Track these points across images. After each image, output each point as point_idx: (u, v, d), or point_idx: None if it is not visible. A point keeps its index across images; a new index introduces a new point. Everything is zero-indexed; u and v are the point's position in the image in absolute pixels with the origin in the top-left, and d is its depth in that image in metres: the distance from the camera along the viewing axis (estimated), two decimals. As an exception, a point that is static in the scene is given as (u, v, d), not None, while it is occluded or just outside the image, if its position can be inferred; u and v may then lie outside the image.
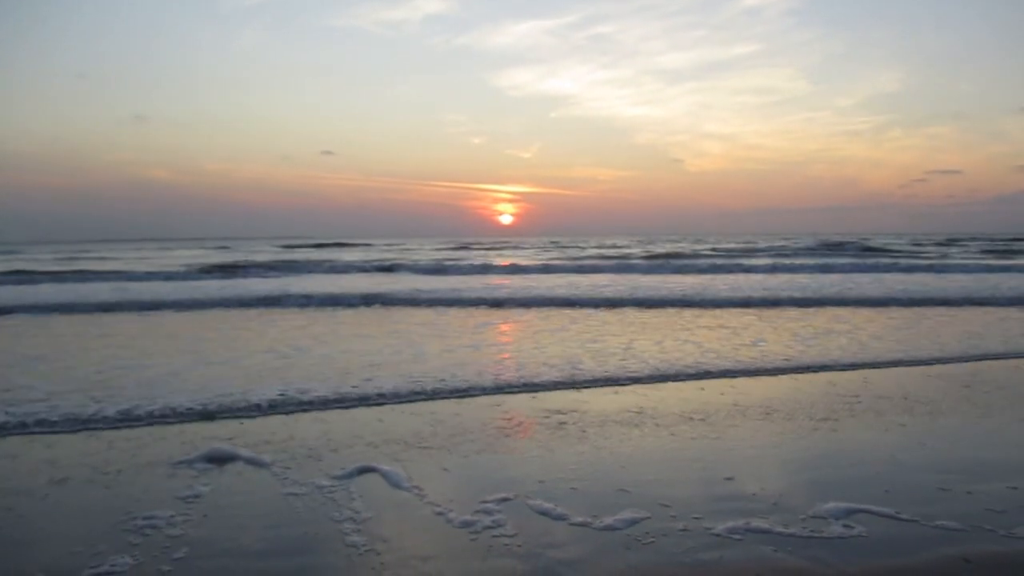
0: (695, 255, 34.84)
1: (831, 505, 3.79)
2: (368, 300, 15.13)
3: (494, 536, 3.47)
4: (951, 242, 52.01)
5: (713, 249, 41.89)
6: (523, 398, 6.37)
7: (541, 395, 6.48)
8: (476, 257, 35.70)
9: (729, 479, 4.25)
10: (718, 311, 13.28)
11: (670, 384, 6.89)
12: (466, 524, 3.63)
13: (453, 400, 6.27)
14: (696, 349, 8.74)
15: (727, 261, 29.35)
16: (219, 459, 4.66)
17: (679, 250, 40.92)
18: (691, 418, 5.63)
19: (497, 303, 14.75)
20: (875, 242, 45.97)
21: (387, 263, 27.25)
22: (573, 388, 6.70)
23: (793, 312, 13.07)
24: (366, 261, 29.73)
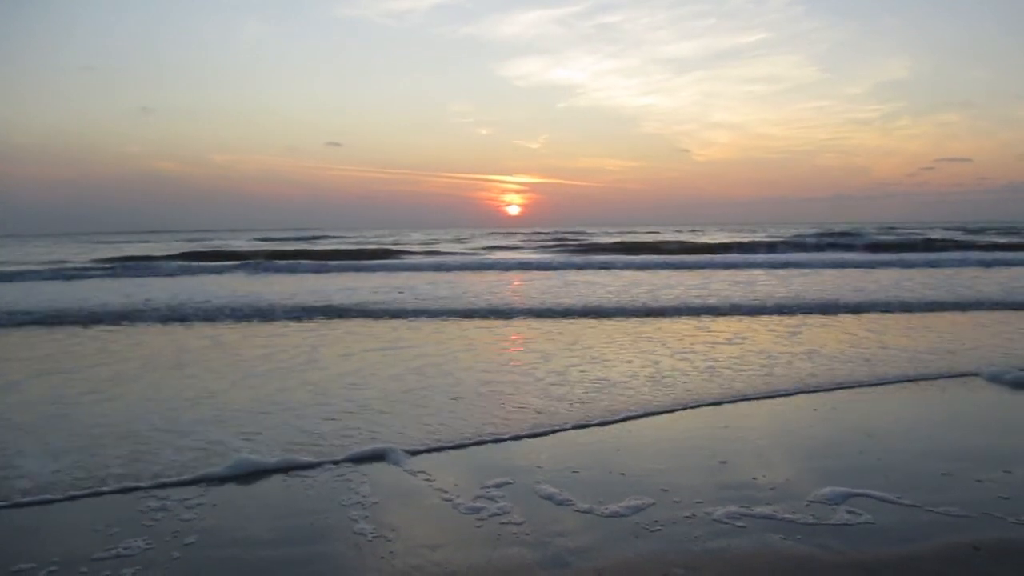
0: (784, 244, 31.98)
1: (827, 490, 3.73)
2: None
3: (502, 523, 3.41)
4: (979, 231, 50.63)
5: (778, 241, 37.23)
6: (514, 381, 6.35)
7: (530, 379, 6.44)
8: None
9: (727, 464, 4.20)
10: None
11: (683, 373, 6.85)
12: (472, 510, 3.57)
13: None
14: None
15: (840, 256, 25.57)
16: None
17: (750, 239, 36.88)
18: (690, 404, 5.60)
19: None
20: (935, 234, 43.04)
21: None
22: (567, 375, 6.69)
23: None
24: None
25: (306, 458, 4.37)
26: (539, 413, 5.35)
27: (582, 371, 6.82)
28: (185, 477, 4.09)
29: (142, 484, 3.97)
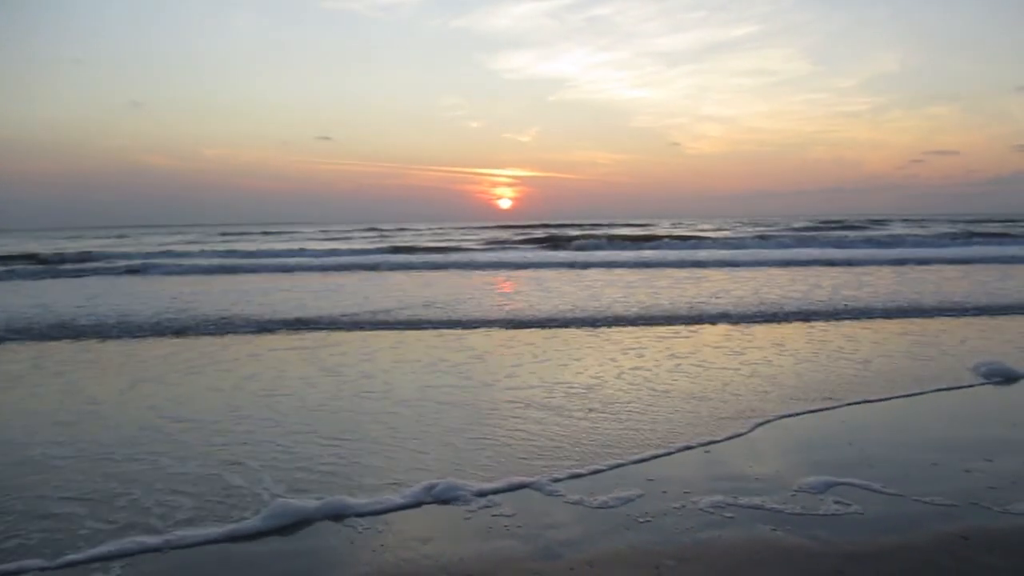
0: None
1: (816, 480, 3.73)
2: None
3: (492, 515, 3.38)
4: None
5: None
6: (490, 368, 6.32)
7: (507, 366, 6.39)
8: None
9: (711, 453, 4.20)
10: None
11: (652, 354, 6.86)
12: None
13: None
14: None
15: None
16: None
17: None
18: (666, 392, 5.59)
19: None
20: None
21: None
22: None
23: None
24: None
25: (360, 500, 3.58)
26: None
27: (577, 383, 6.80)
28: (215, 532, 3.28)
29: (151, 544, 3.16)
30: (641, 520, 3.33)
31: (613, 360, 6.98)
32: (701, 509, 3.44)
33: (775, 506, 3.45)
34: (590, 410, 5.16)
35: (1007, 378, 6.02)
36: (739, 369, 6.50)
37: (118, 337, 8.77)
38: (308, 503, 3.51)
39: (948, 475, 3.84)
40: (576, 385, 5.95)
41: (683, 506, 3.47)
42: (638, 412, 5.10)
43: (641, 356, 7.15)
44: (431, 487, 3.70)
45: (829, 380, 6.06)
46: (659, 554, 3.00)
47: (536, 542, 3.13)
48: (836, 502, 3.49)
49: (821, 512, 3.38)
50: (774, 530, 3.19)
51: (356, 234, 44.27)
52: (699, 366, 6.64)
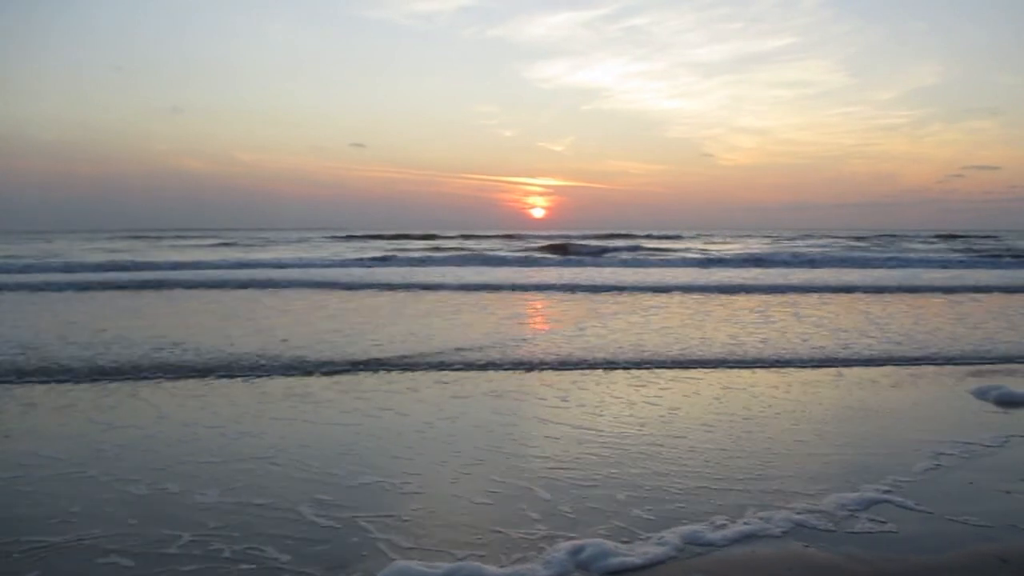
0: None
1: (849, 496, 3.69)
2: None
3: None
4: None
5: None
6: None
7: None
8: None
9: (742, 467, 4.15)
10: None
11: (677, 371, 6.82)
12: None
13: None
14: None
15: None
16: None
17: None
18: (696, 410, 5.56)
19: None
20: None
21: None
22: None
23: None
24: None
25: (499, 568, 2.97)
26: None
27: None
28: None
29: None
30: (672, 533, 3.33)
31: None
32: (732, 522, 3.41)
33: (809, 522, 3.41)
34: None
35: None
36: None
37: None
38: (434, 569, 2.88)
39: (985, 495, 3.77)
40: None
41: (713, 519, 3.46)
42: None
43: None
44: (576, 551, 3.07)
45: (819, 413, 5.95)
46: (690, 568, 2.98)
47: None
48: (870, 519, 3.44)
49: (855, 529, 3.33)
50: (806, 546, 3.16)
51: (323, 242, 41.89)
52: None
